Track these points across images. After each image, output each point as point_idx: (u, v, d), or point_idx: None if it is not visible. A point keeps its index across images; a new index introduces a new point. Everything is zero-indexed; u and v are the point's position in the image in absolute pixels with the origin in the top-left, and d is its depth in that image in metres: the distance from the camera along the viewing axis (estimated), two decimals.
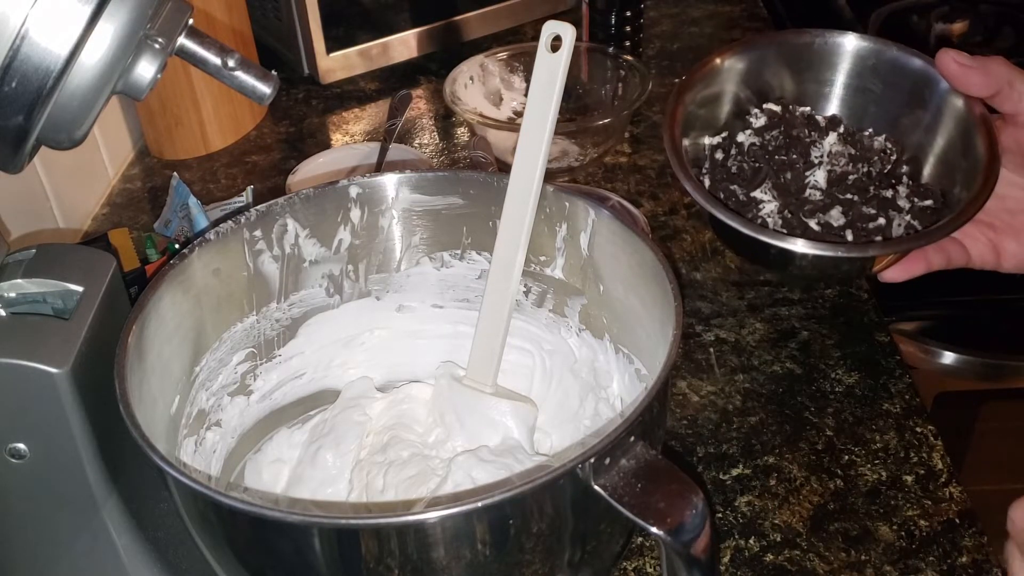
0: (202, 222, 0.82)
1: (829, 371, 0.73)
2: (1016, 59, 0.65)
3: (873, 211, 0.63)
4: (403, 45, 1.16)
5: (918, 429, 0.68)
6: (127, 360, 0.47)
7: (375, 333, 0.65)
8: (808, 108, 0.70)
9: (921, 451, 0.67)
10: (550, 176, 0.56)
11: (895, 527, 0.62)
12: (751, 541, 0.62)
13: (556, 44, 0.53)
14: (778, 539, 0.62)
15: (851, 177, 0.65)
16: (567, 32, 0.52)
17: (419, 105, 1.12)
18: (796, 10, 1.35)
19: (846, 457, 0.67)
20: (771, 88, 0.70)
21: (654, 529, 0.40)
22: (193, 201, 0.85)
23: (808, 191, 0.65)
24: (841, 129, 0.68)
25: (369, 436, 0.61)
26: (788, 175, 0.65)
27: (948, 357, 1.14)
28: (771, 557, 0.60)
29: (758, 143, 0.67)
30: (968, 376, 1.15)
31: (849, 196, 0.64)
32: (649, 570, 0.60)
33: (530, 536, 0.43)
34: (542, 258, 0.60)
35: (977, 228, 0.63)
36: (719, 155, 0.68)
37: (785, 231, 0.63)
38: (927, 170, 0.67)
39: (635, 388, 0.56)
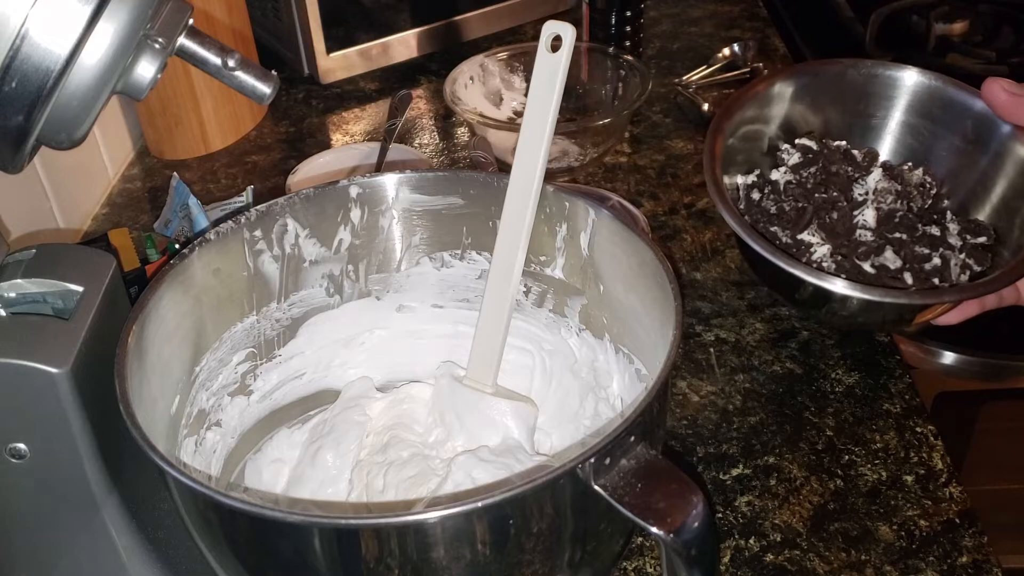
0: (202, 222, 0.82)
1: (829, 371, 0.73)
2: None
3: (927, 250, 0.61)
4: (403, 45, 1.16)
5: (918, 429, 0.68)
6: (127, 360, 0.47)
7: (375, 333, 0.65)
8: (844, 143, 0.67)
9: (921, 451, 0.67)
10: (550, 176, 0.56)
11: (895, 527, 0.62)
12: (751, 541, 0.62)
13: (556, 44, 0.53)
14: (778, 539, 0.62)
15: (898, 215, 0.62)
16: (567, 32, 0.52)
17: (419, 105, 1.12)
18: (795, 10, 1.35)
19: (846, 457, 0.67)
20: (804, 122, 0.67)
21: (654, 529, 0.40)
22: (193, 201, 0.85)
23: (858, 232, 0.62)
24: (880, 163, 0.65)
25: (369, 436, 0.61)
26: (834, 215, 0.62)
27: (948, 357, 1.14)
28: (771, 557, 0.60)
29: (795, 181, 0.64)
30: (968, 376, 1.15)
31: (899, 235, 0.62)
32: (649, 570, 0.60)
33: (530, 536, 0.43)
34: (542, 258, 0.60)
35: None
36: (755, 195, 0.65)
37: (843, 276, 0.60)
38: (983, 211, 0.64)
39: (635, 388, 0.56)
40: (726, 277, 0.83)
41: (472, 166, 0.88)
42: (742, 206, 0.65)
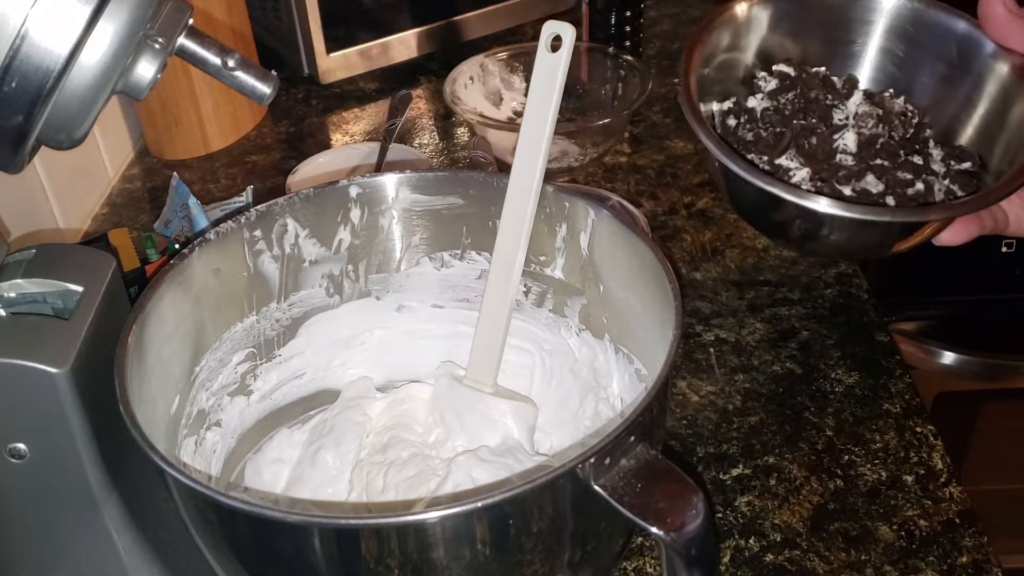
0: (202, 222, 0.82)
1: (829, 371, 0.73)
2: None
3: (910, 176, 0.59)
4: (403, 45, 1.16)
5: (918, 429, 0.68)
6: (127, 360, 0.47)
7: (375, 333, 0.65)
8: (823, 68, 0.64)
9: (921, 451, 0.67)
10: (550, 176, 0.56)
11: (895, 527, 0.62)
12: (751, 541, 0.62)
13: (556, 44, 0.53)
14: (778, 539, 0.62)
15: (880, 141, 0.60)
16: (567, 32, 0.52)
17: (419, 105, 1.12)
18: None
19: (846, 457, 0.67)
20: (781, 49, 0.65)
21: (654, 529, 0.40)
22: (193, 201, 0.85)
23: (838, 156, 0.60)
24: (861, 89, 0.63)
25: (369, 436, 0.61)
26: (813, 140, 0.60)
27: (948, 357, 1.14)
28: (771, 557, 0.60)
29: (772, 108, 0.62)
30: (968, 376, 1.16)
31: (880, 162, 0.59)
32: (649, 570, 0.60)
33: (530, 536, 0.43)
34: (542, 258, 0.60)
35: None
36: (731, 121, 0.63)
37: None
38: (964, 138, 0.62)
39: (635, 388, 0.56)
40: (726, 277, 0.83)
41: (472, 166, 0.88)
42: (718, 134, 0.62)
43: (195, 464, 0.55)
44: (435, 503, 0.54)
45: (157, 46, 0.44)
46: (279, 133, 1.09)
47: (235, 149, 1.06)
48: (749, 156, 0.60)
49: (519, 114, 1.02)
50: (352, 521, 0.43)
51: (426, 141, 1.05)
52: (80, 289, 0.51)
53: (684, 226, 0.90)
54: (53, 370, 0.47)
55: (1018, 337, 1.16)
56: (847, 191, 0.58)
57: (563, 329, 0.62)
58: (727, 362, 0.75)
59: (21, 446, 0.49)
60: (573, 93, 1.04)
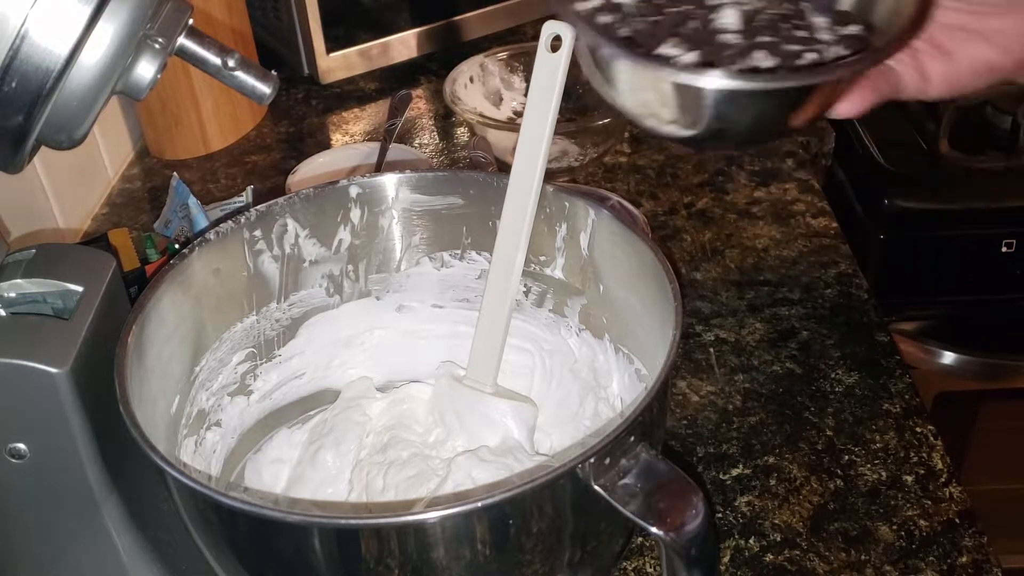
0: (202, 222, 0.82)
1: (829, 371, 0.73)
2: None
3: (799, 47, 0.54)
4: (403, 45, 1.15)
5: (918, 429, 0.68)
6: (127, 360, 0.47)
7: (375, 333, 0.65)
8: None
9: (921, 451, 0.67)
10: (550, 176, 0.56)
11: (895, 527, 0.62)
12: (751, 541, 0.62)
13: (556, 44, 0.53)
14: (778, 539, 0.62)
15: (762, 16, 0.55)
16: (567, 32, 0.52)
17: (419, 105, 1.12)
18: None
19: (846, 457, 0.67)
20: None
21: (654, 529, 0.40)
22: (193, 201, 0.85)
23: (721, 37, 0.54)
24: None
25: (369, 436, 0.61)
26: (690, 24, 0.55)
27: (948, 357, 1.14)
28: (771, 557, 0.60)
29: None
30: (968, 376, 1.16)
31: (766, 38, 0.55)
32: (649, 570, 0.60)
33: (530, 536, 0.43)
34: (542, 258, 0.60)
35: (902, 53, 0.55)
36: (602, 20, 0.56)
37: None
38: (844, 3, 0.57)
39: (635, 388, 0.56)
40: (726, 277, 0.83)
41: (472, 166, 0.88)
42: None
43: (195, 464, 0.55)
44: (435, 503, 0.54)
45: (157, 46, 0.44)
46: (279, 133, 1.09)
47: (235, 149, 1.06)
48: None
49: (519, 114, 1.02)
50: (352, 521, 0.43)
51: (426, 141, 1.05)
52: (80, 289, 0.51)
53: (684, 226, 0.90)
54: (53, 370, 0.47)
55: (1018, 337, 1.16)
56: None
57: (563, 329, 0.62)
58: (727, 362, 0.75)
59: (21, 446, 0.49)
60: (573, 93, 1.03)
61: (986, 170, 1.12)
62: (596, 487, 0.41)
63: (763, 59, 0.53)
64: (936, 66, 0.55)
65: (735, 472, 0.66)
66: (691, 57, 0.53)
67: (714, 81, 0.50)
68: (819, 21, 0.56)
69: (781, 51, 0.54)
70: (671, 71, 0.50)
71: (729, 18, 0.55)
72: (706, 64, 0.52)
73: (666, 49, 0.53)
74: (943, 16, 0.53)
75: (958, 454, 1.18)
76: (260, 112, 1.11)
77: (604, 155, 0.99)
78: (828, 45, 0.55)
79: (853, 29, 0.55)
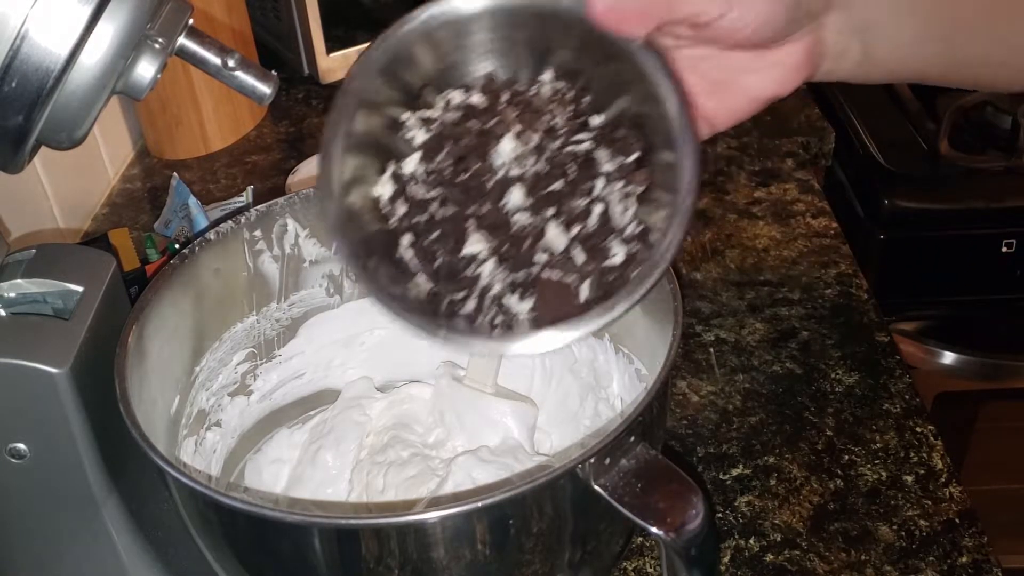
0: (202, 222, 0.82)
1: (829, 371, 0.73)
2: None
3: (585, 201, 0.48)
4: None
5: (918, 429, 0.68)
6: (127, 360, 0.47)
7: (375, 333, 0.65)
8: (460, 93, 0.51)
9: (921, 451, 0.67)
10: None
11: (895, 527, 0.62)
12: (751, 541, 0.62)
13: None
14: (778, 539, 0.61)
15: (546, 170, 0.49)
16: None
17: None
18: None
19: (846, 457, 0.67)
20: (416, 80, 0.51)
21: (654, 529, 0.40)
22: (193, 201, 0.85)
23: (515, 218, 0.48)
24: (508, 93, 0.50)
25: (369, 436, 0.61)
26: (484, 207, 0.48)
27: (948, 357, 1.14)
28: (771, 557, 0.60)
29: (429, 171, 0.49)
30: (968, 376, 1.15)
31: (554, 189, 0.48)
32: (649, 570, 0.60)
33: (530, 536, 0.43)
34: None
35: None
36: (400, 209, 0.49)
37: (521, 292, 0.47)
38: (618, 104, 0.50)
39: (635, 388, 0.56)
40: (726, 277, 0.83)
41: None
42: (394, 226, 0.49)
43: (195, 464, 0.55)
44: (435, 503, 0.54)
45: (157, 46, 0.44)
46: (279, 133, 1.09)
47: (235, 149, 1.06)
48: (436, 251, 0.48)
49: None
50: (352, 521, 0.43)
51: None
52: (80, 289, 0.51)
53: None
54: (53, 370, 0.47)
55: (1018, 337, 1.16)
56: (541, 259, 0.48)
57: None
58: (727, 362, 0.75)
59: (21, 446, 0.49)
60: None
61: (986, 170, 1.12)
62: (596, 487, 0.41)
63: (557, 237, 0.48)
64: (716, 104, 0.51)
65: (735, 472, 0.66)
66: (489, 267, 0.47)
67: (516, 348, 0.45)
68: (603, 154, 0.50)
69: (569, 212, 0.48)
70: (481, 344, 0.45)
71: (515, 196, 0.48)
72: (508, 262, 0.48)
73: (471, 247, 0.48)
74: (710, 69, 0.49)
75: (958, 454, 1.18)
76: (260, 112, 1.11)
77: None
78: (612, 182, 0.49)
79: (635, 156, 0.49)
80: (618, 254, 0.48)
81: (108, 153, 1.03)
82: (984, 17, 0.50)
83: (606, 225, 0.48)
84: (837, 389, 0.72)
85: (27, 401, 0.47)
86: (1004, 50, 0.51)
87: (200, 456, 0.56)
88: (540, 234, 0.48)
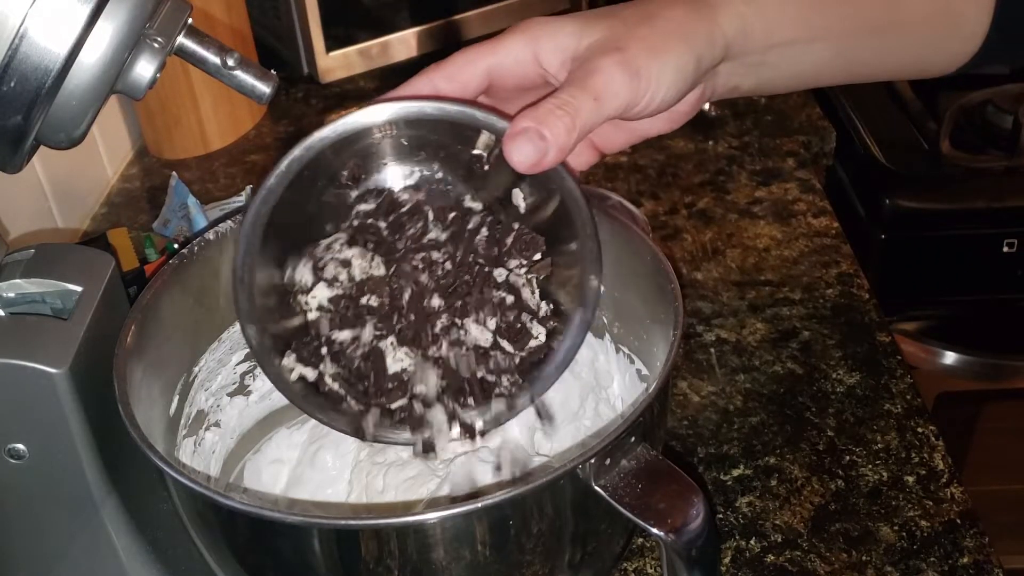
0: (201, 222, 0.82)
1: (830, 371, 0.73)
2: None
3: (501, 293, 0.49)
4: (403, 44, 1.15)
5: (919, 429, 0.68)
6: (126, 360, 0.47)
7: None
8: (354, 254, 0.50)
9: (922, 451, 0.66)
10: None
11: (896, 527, 0.62)
12: (752, 542, 0.61)
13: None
14: (779, 540, 0.61)
15: (458, 278, 0.49)
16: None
17: None
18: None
19: (847, 457, 0.66)
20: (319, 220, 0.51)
21: (655, 530, 0.40)
22: (192, 201, 0.84)
23: (437, 321, 0.48)
24: (422, 218, 0.50)
25: None
26: (400, 323, 0.48)
27: (949, 357, 1.14)
28: (772, 558, 0.60)
29: (332, 311, 0.49)
30: (969, 376, 1.15)
31: (467, 279, 0.49)
32: (650, 571, 0.60)
33: (530, 537, 0.42)
34: None
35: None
36: (310, 373, 0.48)
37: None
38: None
39: (636, 388, 0.56)
40: (727, 277, 0.83)
41: None
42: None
43: (194, 465, 0.55)
44: (435, 504, 0.54)
45: (156, 45, 0.44)
46: (278, 133, 1.09)
47: (234, 149, 1.06)
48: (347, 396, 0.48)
49: None
50: (352, 522, 0.43)
51: None
52: (79, 289, 0.51)
53: (684, 226, 0.90)
54: (52, 370, 0.46)
55: (1020, 337, 1.16)
56: (471, 365, 0.48)
57: None
58: (728, 362, 0.75)
59: (21, 446, 0.48)
60: None
61: (987, 170, 1.11)
62: (597, 487, 0.41)
63: (479, 332, 0.48)
64: (603, 141, 0.57)
65: (736, 473, 0.66)
66: (434, 381, 0.48)
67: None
68: (512, 262, 0.50)
69: (487, 305, 0.49)
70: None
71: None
72: (447, 396, 0.48)
73: (396, 365, 0.48)
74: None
75: (959, 454, 1.18)
76: (259, 112, 1.10)
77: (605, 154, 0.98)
78: (520, 273, 0.50)
79: (538, 255, 0.50)
80: (539, 334, 0.50)
81: (107, 152, 1.03)
82: (877, 37, 0.53)
83: (521, 310, 0.50)
84: (838, 389, 0.72)
85: (26, 401, 0.47)
86: (893, 59, 0.54)
87: (199, 456, 0.56)
88: (458, 342, 0.48)
